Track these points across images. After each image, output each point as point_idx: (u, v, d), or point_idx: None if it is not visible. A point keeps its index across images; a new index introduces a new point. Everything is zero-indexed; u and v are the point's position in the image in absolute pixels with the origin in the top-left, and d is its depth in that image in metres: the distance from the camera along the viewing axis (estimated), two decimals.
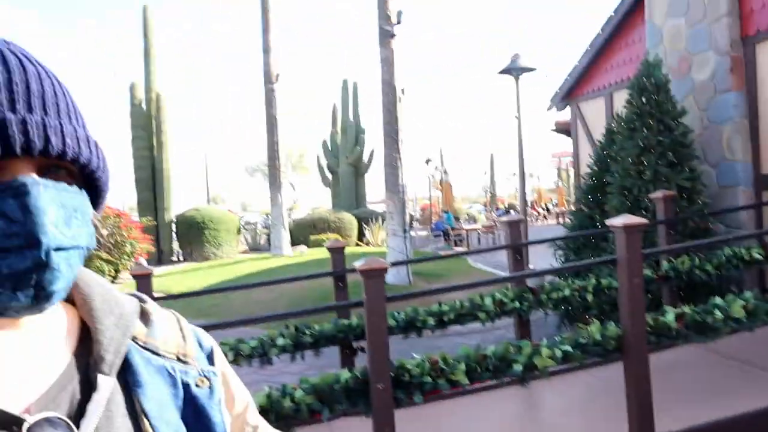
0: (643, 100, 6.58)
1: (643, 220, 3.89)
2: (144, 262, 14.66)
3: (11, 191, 0.58)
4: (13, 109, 0.59)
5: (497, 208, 36.52)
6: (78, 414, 0.63)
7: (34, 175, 0.61)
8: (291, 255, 17.33)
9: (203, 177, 40.30)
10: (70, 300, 0.73)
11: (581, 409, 4.54)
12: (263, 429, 0.93)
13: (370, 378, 3.49)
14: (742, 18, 6.70)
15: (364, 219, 22.61)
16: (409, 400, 3.60)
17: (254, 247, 22.75)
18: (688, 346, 4.99)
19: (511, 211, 30.97)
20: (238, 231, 20.44)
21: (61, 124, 0.62)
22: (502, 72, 10.42)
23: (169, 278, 14.15)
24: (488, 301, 5.13)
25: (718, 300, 4.17)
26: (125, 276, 15.36)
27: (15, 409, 0.60)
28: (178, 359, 0.76)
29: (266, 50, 17.24)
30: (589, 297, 5.22)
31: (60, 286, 0.62)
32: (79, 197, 0.66)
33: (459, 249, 19.55)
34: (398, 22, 10.75)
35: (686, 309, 4.08)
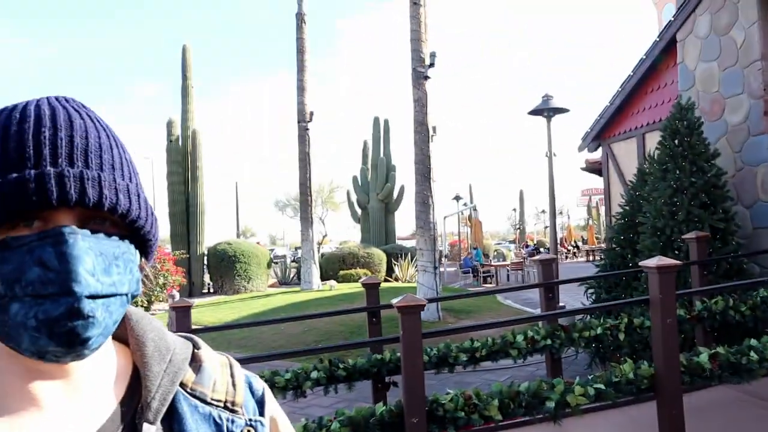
0: (676, 142, 6.65)
1: (677, 262, 3.94)
2: (177, 295, 14.94)
3: (50, 240, 0.60)
4: (55, 164, 0.62)
5: (526, 245, 36.32)
6: None
7: (74, 226, 0.62)
8: (321, 289, 17.46)
9: (232, 209, 40.89)
10: (126, 342, 0.76)
11: None
12: None
13: (405, 412, 3.56)
14: None
15: (393, 255, 22.72)
16: None
17: (283, 281, 22.94)
18: (722, 387, 4.96)
19: (541, 249, 30.77)
20: (269, 265, 20.68)
21: (99, 176, 0.63)
22: (533, 113, 10.57)
23: (201, 310, 14.36)
24: (520, 338, 5.17)
25: (753, 341, 4.18)
26: (157, 307, 15.65)
27: None
28: (226, 407, 0.76)
29: (301, 89, 17.66)
30: (621, 336, 5.23)
31: (95, 332, 0.62)
32: (122, 246, 0.67)
33: (488, 286, 19.48)
34: (431, 65, 11.00)
35: (720, 350, 4.09)
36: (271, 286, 21.13)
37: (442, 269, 19.23)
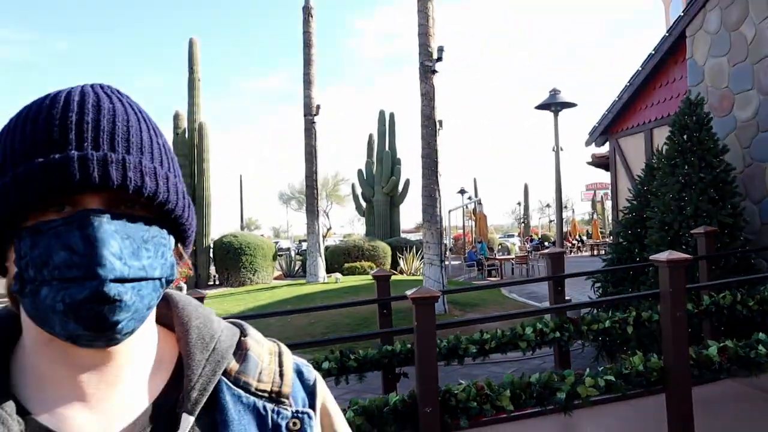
0: (685, 137, 6.67)
1: (687, 256, 3.98)
2: (184, 287, 15.01)
3: (76, 224, 0.60)
4: (80, 147, 0.61)
5: (531, 239, 36.33)
6: None
7: (100, 208, 0.62)
8: (326, 282, 17.53)
9: (236, 201, 40.95)
10: (173, 328, 0.75)
11: None
12: None
13: (418, 401, 3.62)
14: None
15: (398, 248, 22.77)
16: (455, 424, 3.71)
17: (289, 274, 23.00)
18: (729, 380, 5.01)
19: (545, 243, 30.78)
20: (274, 257, 20.75)
21: (124, 159, 0.62)
22: (540, 107, 10.60)
23: (207, 302, 14.43)
24: (529, 330, 5.22)
25: (761, 335, 4.22)
26: None
27: None
28: (272, 398, 0.73)
29: (307, 83, 17.67)
30: (629, 329, 5.27)
31: (124, 316, 0.61)
32: (152, 230, 0.66)
33: (492, 279, 19.52)
34: (439, 59, 11.01)
35: (729, 343, 4.14)
36: (277, 278, 21.19)
37: (446, 263, 19.29)
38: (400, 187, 27.34)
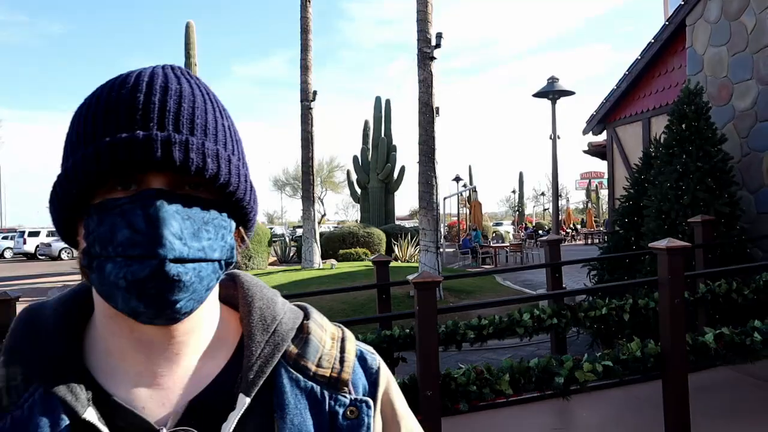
0: (683, 126, 6.69)
1: (686, 244, 4.01)
2: None
3: (139, 202, 0.61)
4: (145, 127, 0.62)
5: (525, 227, 36.46)
6: (214, 431, 0.65)
7: (162, 188, 0.63)
8: (321, 268, 17.56)
9: None
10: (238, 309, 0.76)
11: (618, 424, 4.63)
12: None
13: (419, 385, 3.64)
14: None
15: (393, 234, 22.82)
16: (455, 408, 3.75)
17: (283, 260, 23.02)
18: (724, 368, 5.07)
19: (540, 231, 30.87)
20: (269, 243, 20.74)
21: (188, 140, 0.63)
22: (538, 95, 10.60)
23: None
24: (527, 316, 5.25)
25: (757, 322, 4.26)
26: None
27: (154, 418, 0.65)
28: (330, 384, 0.73)
29: (304, 68, 17.59)
30: (626, 317, 5.31)
31: (183, 296, 0.62)
32: (212, 212, 0.66)
33: (487, 267, 19.61)
34: (437, 45, 10.98)
35: (725, 330, 4.18)
36: (272, 264, 21.20)
37: (441, 250, 19.36)
38: (396, 174, 27.36)
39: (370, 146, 27.88)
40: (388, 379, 0.80)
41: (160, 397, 0.67)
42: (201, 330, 0.70)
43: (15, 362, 0.66)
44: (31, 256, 32.59)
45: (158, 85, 0.65)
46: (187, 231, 0.63)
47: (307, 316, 0.78)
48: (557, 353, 5.61)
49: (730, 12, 7.34)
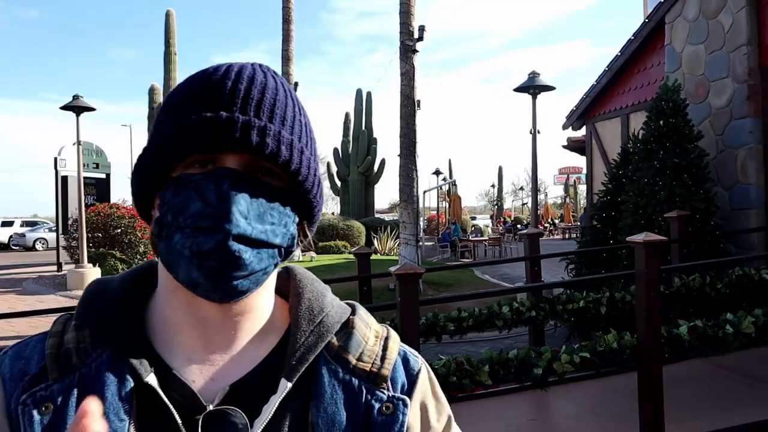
0: (661, 122, 6.80)
1: (663, 238, 4.10)
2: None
3: (213, 179, 0.65)
4: (230, 110, 0.67)
5: (504, 222, 36.70)
6: (256, 412, 0.68)
7: (237, 168, 0.67)
8: (301, 260, 17.54)
9: None
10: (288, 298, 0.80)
11: (595, 414, 4.72)
12: None
13: None
14: (761, 48, 6.93)
15: (373, 227, 22.87)
16: None
17: None
18: (697, 360, 5.18)
19: (518, 225, 31.10)
20: None
21: (266, 126, 0.67)
22: (519, 89, 10.66)
23: None
24: (506, 309, 5.31)
25: (729, 315, 4.36)
26: None
27: (202, 394, 0.68)
28: (370, 378, 0.74)
29: (286, 59, 17.49)
30: (602, 309, 5.40)
31: (242, 273, 0.65)
32: (279, 198, 0.70)
33: (465, 260, 19.73)
34: (420, 38, 11.00)
35: (698, 323, 4.27)
36: None
37: (420, 243, 19.44)
38: (376, 167, 27.35)
39: (351, 139, 27.83)
40: (429, 385, 0.80)
41: (209, 374, 0.71)
42: (255, 314, 0.74)
43: (85, 326, 0.71)
44: (4, 246, 32.03)
45: (245, 75, 0.70)
46: (253, 212, 0.66)
47: (353, 313, 0.80)
48: (535, 346, 5.68)
49: (709, 11, 7.46)
